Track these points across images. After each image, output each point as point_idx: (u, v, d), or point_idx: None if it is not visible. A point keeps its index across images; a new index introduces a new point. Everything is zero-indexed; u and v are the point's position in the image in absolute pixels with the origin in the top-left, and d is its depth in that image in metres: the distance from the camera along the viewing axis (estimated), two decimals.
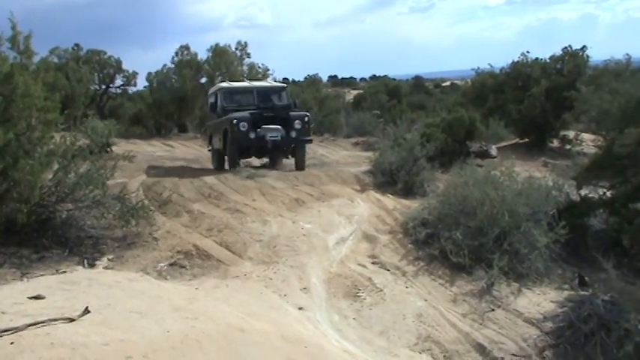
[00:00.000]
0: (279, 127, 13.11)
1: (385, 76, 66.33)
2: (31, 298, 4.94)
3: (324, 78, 55.17)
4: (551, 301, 7.58)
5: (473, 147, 15.89)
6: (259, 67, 25.61)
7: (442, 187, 10.91)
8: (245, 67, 25.31)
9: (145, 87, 28.37)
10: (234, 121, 12.96)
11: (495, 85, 20.12)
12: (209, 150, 16.11)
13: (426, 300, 7.61)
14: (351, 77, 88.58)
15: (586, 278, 8.15)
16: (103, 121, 15.58)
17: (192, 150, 17.93)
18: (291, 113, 13.57)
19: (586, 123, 17.26)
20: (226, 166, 13.88)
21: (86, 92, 19.31)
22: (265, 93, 14.82)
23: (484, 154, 15.48)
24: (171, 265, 7.87)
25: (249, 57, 25.80)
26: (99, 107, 26.01)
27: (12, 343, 3.63)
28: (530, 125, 18.15)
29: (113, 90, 28.19)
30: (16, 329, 3.87)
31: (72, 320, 4.20)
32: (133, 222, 8.91)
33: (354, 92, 49.35)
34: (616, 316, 6.53)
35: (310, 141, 13.99)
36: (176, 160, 15.77)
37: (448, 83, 58.98)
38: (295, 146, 13.76)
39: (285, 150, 14.10)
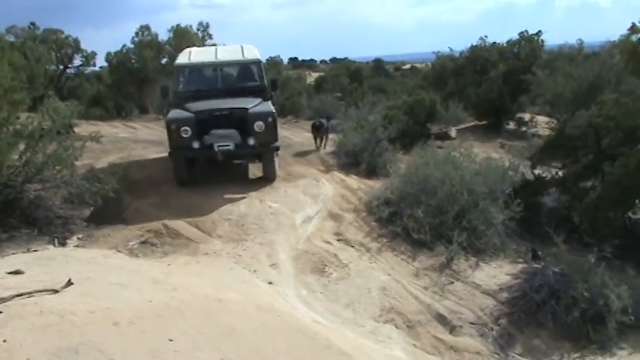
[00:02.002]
0: (233, 131, 9.61)
1: (346, 58, 66.57)
2: (10, 273, 5.08)
3: (285, 60, 55.12)
4: (507, 274, 8.03)
5: (433, 129, 16.32)
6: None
7: (404, 167, 11.24)
8: None
9: (100, 67, 27.96)
10: (173, 125, 9.57)
11: (455, 69, 20.59)
12: None
13: (389, 274, 7.96)
14: (312, 59, 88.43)
15: (539, 252, 8.64)
16: (65, 102, 15.42)
17: (156, 132, 17.81)
18: (250, 111, 9.76)
19: (541, 106, 17.89)
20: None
21: (45, 72, 18.95)
22: (233, 71, 11.31)
23: (444, 136, 15.91)
24: (142, 243, 8.03)
25: (211, 38, 25.58)
26: (57, 88, 25.56)
27: (1, 312, 3.80)
28: (488, 108, 18.65)
29: (71, 70, 27.67)
30: (3, 299, 4.04)
31: (56, 292, 4.38)
32: (102, 202, 9.02)
33: (315, 74, 49.47)
34: (565, 286, 6.98)
35: (276, 149, 10.12)
36: (140, 142, 15.68)
37: (408, 66, 59.42)
38: (260, 154, 10.28)
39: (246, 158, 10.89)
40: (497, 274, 8.11)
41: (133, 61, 25.50)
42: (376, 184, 11.04)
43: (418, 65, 52.13)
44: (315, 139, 13.76)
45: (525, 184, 10.21)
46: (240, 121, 9.70)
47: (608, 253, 8.40)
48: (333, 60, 78.32)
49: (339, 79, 37.65)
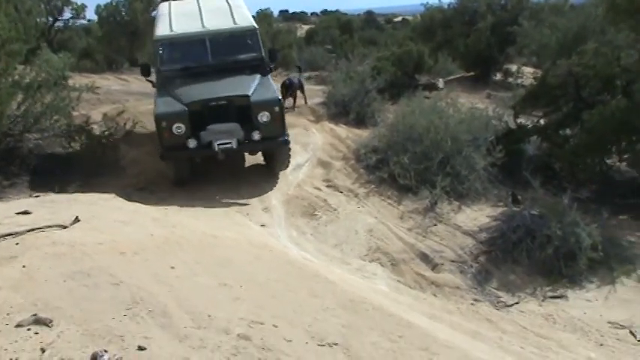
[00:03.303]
0: (234, 125, 8.11)
1: (337, 10, 65.85)
2: (19, 213, 5.43)
3: (275, 13, 54.51)
4: (487, 216, 8.46)
5: (421, 80, 16.57)
6: None
7: (391, 117, 11.56)
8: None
9: (89, 21, 27.74)
10: (163, 122, 8.00)
11: (444, 20, 20.62)
12: None
13: (375, 217, 8.36)
14: (302, 12, 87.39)
15: (519, 197, 9.03)
16: (57, 54, 15.53)
17: (148, 84, 17.99)
18: (253, 99, 8.22)
19: (528, 56, 18.09)
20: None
21: (36, 25, 18.93)
22: (224, 42, 9.18)
23: (432, 87, 16.16)
24: (138, 189, 8.40)
25: None
26: (48, 41, 25.45)
27: (17, 244, 4.17)
28: (476, 59, 18.81)
29: (60, 23, 27.50)
30: (17, 233, 4.41)
31: (65, 227, 4.74)
32: (99, 151, 9.35)
33: (306, 27, 49.07)
34: (540, 226, 7.41)
35: (287, 142, 8.59)
36: (132, 94, 15.88)
37: (399, 19, 59.01)
38: (267, 150, 9.03)
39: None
40: (477, 216, 8.54)
41: (123, 13, 25.37)
42: (364, 133, 11.37)
43: (409, 17, 51.75)
44: (285, 98, 12.13)
45: (508, 132, 10.55)
46: (241, 110, 8.22)
47: (586, 197, 8.80)
48: (325, 12, 77.42)
49: (330, 31, 37.50)
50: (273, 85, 8.93)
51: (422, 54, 16.21)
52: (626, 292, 6.88)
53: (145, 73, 9.39)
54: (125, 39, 25.13)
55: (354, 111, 12.46)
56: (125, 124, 10.21)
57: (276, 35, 31.51)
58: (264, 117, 8.20)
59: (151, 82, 9.47)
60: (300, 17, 78.54)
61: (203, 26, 9.28)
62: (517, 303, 6.69)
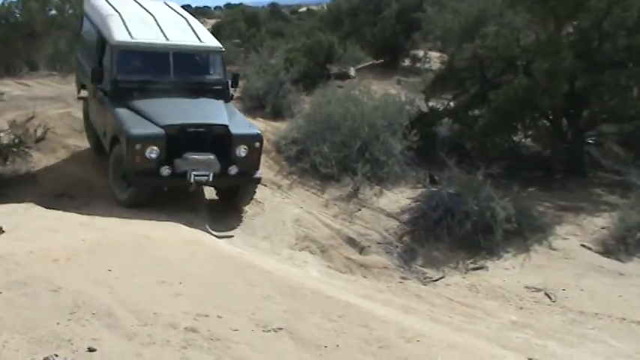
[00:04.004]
0: (212, 157, 7.36)
1: (241, 4, 65.39)
2: None
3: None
4: (407, 198, 8.82)
5: (333, 69, 16.82)
6: None
7: (307, 107, 11.73)
8: None
9: None
10: (137, 144, 7.15)
11: (350, 10, 21.04)
12: (79, 98, 10.38)
13: (301, 207, 8.53)
14: (205, 6, 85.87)
15: (435, 177, 9.45)
16: None
17: (51, 88, 17.30)
18: (234, 132, 7.57)
19: (433, 42, 18.77)
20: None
21: None
22: (188, 59, 8.59)
23: (344, 76, 16.43)
24: (57, 196, 8.14)
25: None
26: None
27: None
28: (384, 46, 19.31)
29: None
30: None
31: None
32: (9, 159, 8.98)
33: (211, 21, 48.43)
34: (458, 203, 7.81)
35: (259, 180, 8.00)
36: (36, 99, 15.24)
37: (304, 9, 59.31)
38: (238, 186, 8.05)
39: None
40: (399, 198, 8.87)
41: (17, 15, 24.20)
42: (282, 125, 11.48)
43: (314, 7, 52.13)
44: None
45: (421, 116, 10.96)
46: (217, 141, 7.54)
47: (497, 173, 9.30)
48: (228, 6, 76.56)
49: (237, 25, 37.15)
50: (243, 116, 8.68)
51: (332, 44, 16.47)
52: (539, 258, 7.39)
53: (97, 79, 8.13)
54: (22, 42, 24.02)
55: (270, 104, 12.55)
56: (35, 130, 9.84)
57: None
58: (242, 151, 7.57)
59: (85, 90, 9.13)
60: (204, 12, 77.28)
61: (166, 38, 8.40)
62: (442, 277, 7.06)
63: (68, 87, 15.98)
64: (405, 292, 6.34)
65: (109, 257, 4.42)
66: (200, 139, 7.45)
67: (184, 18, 9.28)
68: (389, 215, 8.38)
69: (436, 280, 6.99)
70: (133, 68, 8.24)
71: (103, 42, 8.46)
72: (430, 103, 11.24)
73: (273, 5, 60.16)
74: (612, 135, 10.97)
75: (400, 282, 6.83)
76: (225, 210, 8.14)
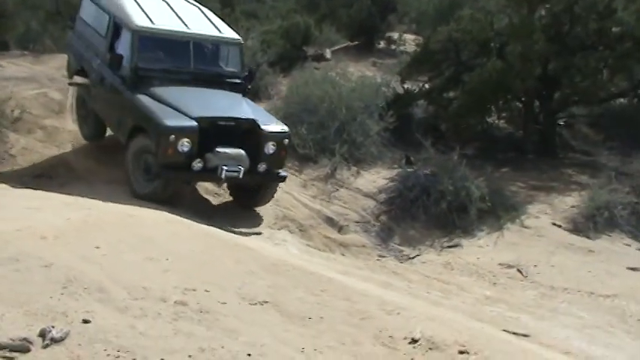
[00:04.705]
0: (242, 152, 7.11)
1: None
2: None
3: None
4: (384, 178, 8.99)
5: (309, 51, 16.86)
6: None
7: (285, 89, 11.79)
8: None
9: None
10: (171, 137, 6.83)
11: None
12: (70, 84, 9.75)
13: (280, 187, 8.62)
14: None
15: (411, 158, 9.62)
16: None
17: (24, 68, 17.04)
18: (264, 127, 7.38)
19: (408, 24, 18.89)
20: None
21: None
22: (208, 50, 8.48)
23: (320, 58, 16.47)
24: (36, 177, 8.15)
25: None
26: None
27: None
28: (359, 28, 19.35)
29: None
30: None
31: None
32: None
33: None
34: (434, 183, 8.02)
35: (284, 179, 7.76)
36: (9, 79, 15.04)
37: None
38: (261, 184, 7.76)
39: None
40: (376, 179, 9.05)
41: None
42: (260, 107, 11.52)
43: None
44: None
45: (397, 97, 11.12)
46: (244, 136, 7.32)
47: (471, 154, 9.55)
48: None
49: (210, 5, 36.77)
50: (265, 111, 8.58)
51: (308, 26, 16.50)
52: (512, 236, 7.65)
53: (116, 65, 7.67)
54: None
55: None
56: (12, 111, 9.77)
57: None
58: (270, 148, 7.32)
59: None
60: None
61: (187, 27, 8.15)
62: (419, 255, 7.28)
63: (41, 67, 15.81)
64: (383, 270, 6.52)
65: (95, 235, 4.49)
66: (228, 134, 7.22)
67: (200, 10, 9.09)
68: (366, 195, 8.56)
69: (413, 258, 7.21)
70: (153, 55, 7.92)
71: (117, 27, 8.07)
72: (406, 85, 11.40)
73: None
74: (582, 117, 11.30)
75: (378, 259, 7.03)
76: (206, 193, 8.22)
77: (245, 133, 7.33)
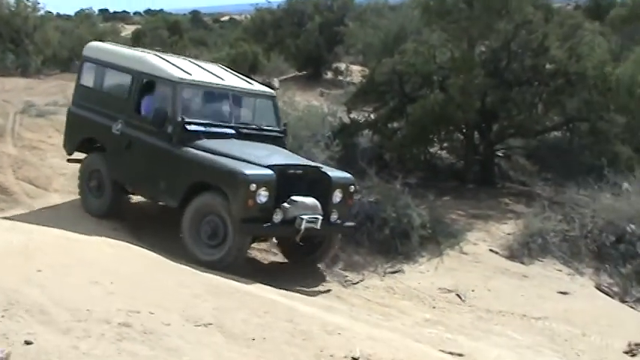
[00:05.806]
0: (316, 200, 6.76)
1: (161, 10, 64.69)
2: None
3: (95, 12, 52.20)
4: None
5: (257, 80, 17.05)
6: (28, 0, 23.87)
7: None
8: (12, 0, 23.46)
9: None
10: (252, 186, 6.36)
11: (274, 21, 21.40)
12: (69, 160, 8.51)
13: None
14: (124, 11, 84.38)
15: (357, 187, 9.80)
16: None
17: None
18: (332, 175, 7.22)
19: (355, 55, 19.32)
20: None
21: None
22: (245, 103, 8.10)
23: (267, 87, 16.65)
24: None
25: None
26: None
27: None
28: (307, 58, 19.77)
29: None
30: None
31: None
32: None
33: (131, 27, 47.63)
34: (377, 210, 8.20)
35: (354, 229, 7.63)
36: None
37: (227, 18, 59.32)
38: (327, 236, 7.35)
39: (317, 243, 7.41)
40: None
41: None
42: None
43: (237, 17, 52.27)
44: None
45: (343, 127, 11.32)
46: (310, 186, 6.93)
47: (414, 183, 9.79)
48: (148, 12, 75.42)
49: (158, 32, 36.78)
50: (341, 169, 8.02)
51: (256, 55, 16.75)
52: (451, 262, 7.90)
53: (160, 121, 7.06)
54: None
55: None
56: None
57: (102, 37, 30.39)
58: (337, 196, 7.01)
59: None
60: (123, 17, 75.76)
61: (222, 79, 7.81)
62: (362, 280, 7.41)
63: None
64: (327, 294, 6.65)
65: (39, 259, 4.49)
66: (297, 184, 6.83)
67: (222, 67, 8.91)
68: None
69: (356, 283, 7.34)
70: (197, 110, 7.52)
71: (146, 85, 7.57)
72: (352, 115, 11.64)
73: (194, 13, 59.77)
74: (519, 148, 11.76)
75: (322, 285, 7.13)
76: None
77: (312, 182, 6.98)
